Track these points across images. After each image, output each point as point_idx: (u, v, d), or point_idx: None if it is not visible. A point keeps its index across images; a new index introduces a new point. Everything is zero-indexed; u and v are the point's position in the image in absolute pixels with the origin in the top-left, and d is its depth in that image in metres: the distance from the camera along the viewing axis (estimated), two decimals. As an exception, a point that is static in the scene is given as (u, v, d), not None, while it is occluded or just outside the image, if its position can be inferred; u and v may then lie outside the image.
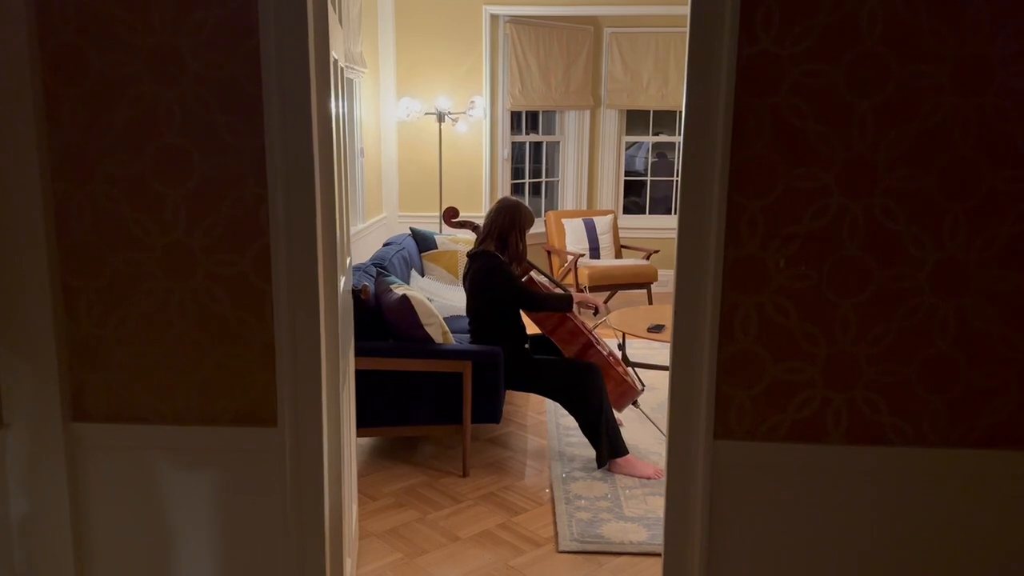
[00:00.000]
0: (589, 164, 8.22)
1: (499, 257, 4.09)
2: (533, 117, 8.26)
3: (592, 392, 3.96)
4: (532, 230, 4.31)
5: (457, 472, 3.99)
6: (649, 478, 3.88)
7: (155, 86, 2.00)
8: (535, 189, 8.39)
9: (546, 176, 8.38)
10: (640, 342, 5.35)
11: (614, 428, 3.97)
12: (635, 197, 8.61)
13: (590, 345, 4.18)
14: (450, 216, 5.24)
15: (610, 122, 8.15)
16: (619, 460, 3.94)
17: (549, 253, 7.52)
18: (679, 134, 2.66)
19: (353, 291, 2.89)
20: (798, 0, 1.92)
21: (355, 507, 3.12)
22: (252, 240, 2.07)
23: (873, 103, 1.96)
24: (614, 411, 4.09)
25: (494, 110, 7.49)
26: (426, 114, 7.19)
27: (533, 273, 4.40)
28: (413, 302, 3.88)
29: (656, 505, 3.58)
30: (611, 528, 3.40)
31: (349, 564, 2.71)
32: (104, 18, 1.98)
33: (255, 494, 2.19)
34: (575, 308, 4.18)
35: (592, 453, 4.03)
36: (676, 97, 7.77)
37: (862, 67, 1.94)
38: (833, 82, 1.95)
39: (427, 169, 7.41)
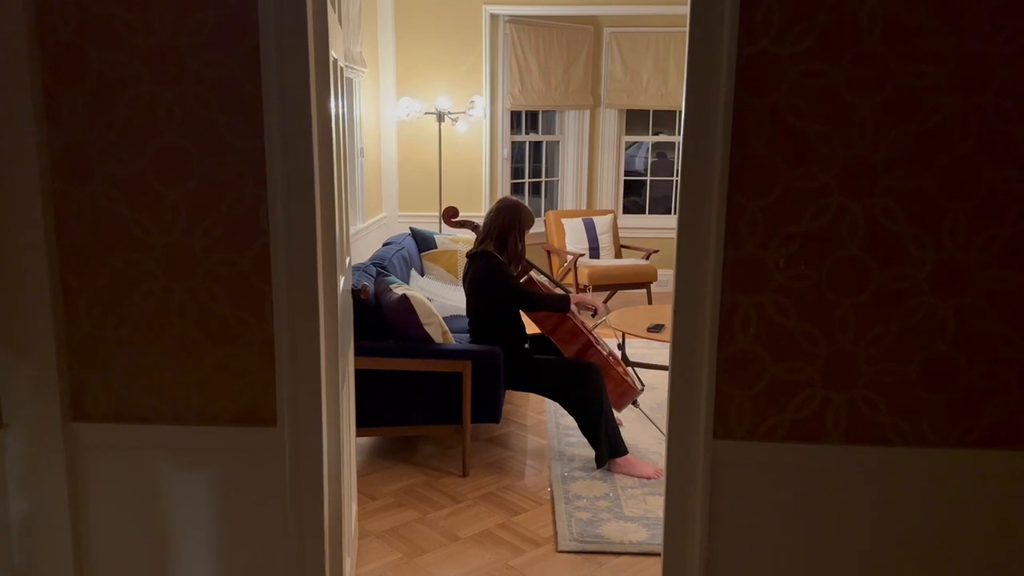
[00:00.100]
0: (589, 164, 8.22)
1: (498, 257, 4.09)
2: (533, 117, 8.26)
3: (592, 392, 3.96)
4: (532, 230, 4.31)
5: (457, 472, 3.99)
6: (649, 478, 3.88)
7: (155, 86, 2.00)
8: (535, 189, 8.39)
9: (546, 176, 8.38)
10: (640, 342, 5.35)
11: (614, 428, 3.97)
12: (635, 197, 8.61)
13: (590, 345, 4.18)
14: (450, 216, 5.24)
15: (610, 122, 8.15)
16: (619, 460, 3.94)
17: (549, 253, 7.52)
18: (679, 134, 2.66)
19: (353, 291, 2.89)
20: (798, 0, 1.92)
21: (355, 507, 3.12)
22: (252, 240, 2.07)
23: (873, 103, 1.96)
24: (614, 411, 4.09)
25: (494, 110, 7.49)
26: (426, 114, 7.19)
27: (533, 273, 4.40)
28: (413, 302, 3.88)
29: (656, 505, 3.58)
30: (611, 528, 3.40)
31: (348, 564, 2.71)
32: (104, 18, 1.98)
33: (255, 494, 2.19)
34: (574, 308, 4.18)
35: (592, 453, 4.03)
36: (676, 97, 7.77)
37: (862, 67, 1.94)
38: (833, 82, 1.95)
39: (427, 169, 7.41)
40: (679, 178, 2.08)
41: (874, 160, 1.98)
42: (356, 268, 4.46)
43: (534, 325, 4.24)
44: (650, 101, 8.07)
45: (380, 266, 4.68)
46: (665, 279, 7.61)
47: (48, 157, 2.04)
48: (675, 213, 2.26)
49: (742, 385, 2.12)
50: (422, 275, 5.78)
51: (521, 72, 7.58)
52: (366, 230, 6.68)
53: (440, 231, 6.50)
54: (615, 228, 7.69)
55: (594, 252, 7.46)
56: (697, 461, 2.15)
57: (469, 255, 4.21)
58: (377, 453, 4.23)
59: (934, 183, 1.98)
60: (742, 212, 2.03)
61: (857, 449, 2.12)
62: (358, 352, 3.42)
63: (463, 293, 4.33)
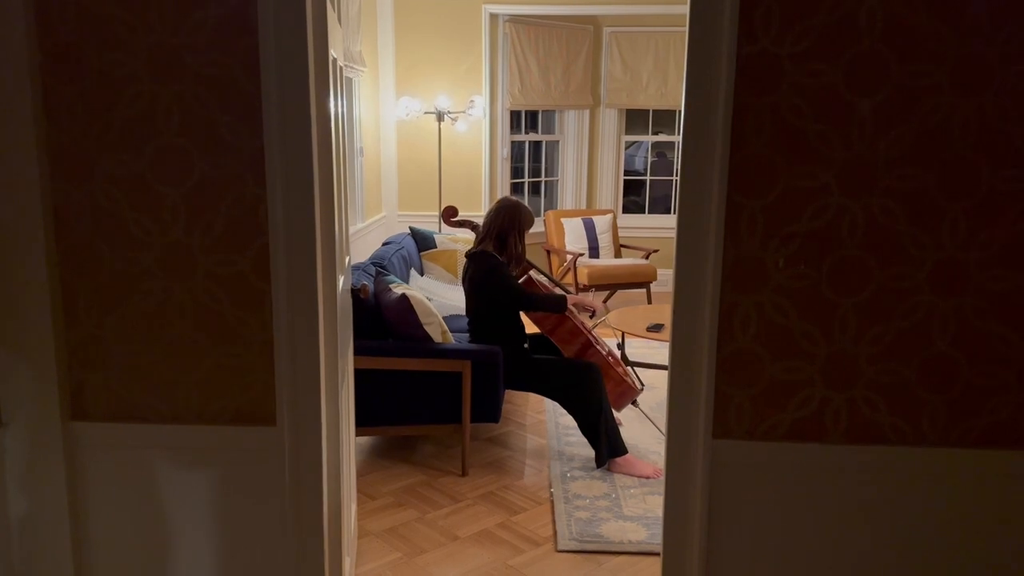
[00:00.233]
0: (588, 163, 8.22)
1: (497, 257, 4.09)
2: (532, 116, 8.26)
3: (591, 392, 3.96)
4: (531, 229, 4.31)
5: (456, 471, 3.99)
6: (648, 477, 3.88)
7: (154, 85, 2.00)
8: (534, 188, 8.39)
9: (545, 175, 8.38)
10: (639, 341, 5.35)
11: (613, 428, 3.97)
12: (634, 196, 8.61)
13: (589, 345, 4.18)
14: (449, 215, 5.24)
15: (609, 121, 8.15)
16: (618, 459, 3.94)
17: (548, 252, 7.52)
18: (678, 133, 2.66)
19: (352, 290, 2.89)
20: (798, 0, 1.92)
21: (354, 506, 3.12)
22: (251, 240, 2.07)
23: (873, 103, 1.96)
24: (613, 410, 4.09)
25: (493, 109, 7.49)
26: (425, 113, 7.18)
27: (532, 273, 4.40)
28: (412, 301, 3.88)
29: (655, 504, 3.59)
30: (610, 527, 3.40)
31: (348, 563, 2.71)
32: (103, 17, 1.98)
33: (254, 493, 2.19)
34: (573, 309, 4.17)
35: (591, 452, 4.03)
36: (676, 96, 7.77)
37: (862, 67, 1.94)
38: (833, 81, 1.95)
39: (426, 168, 7.41)
40: (679, 178, 2.08)
41: (874, 160, 1.98)
42: (356, 268, 4.46)
43: (534, 325, 4.25)
44: (650, 101, 8.06)
45: (380, 265, 4.68)
46: (665, 279, 7.60)
47: (47, 157, 2.04)
48: (675, 213, 2.26)
49: (742, 385, 2.12)
50: (421, 275, 5.78)
51: (521, 72, 7.58)
52: (366, 229, 6.68)
53: (440, 231, 6.50)
54: (615, 228, 7.69)
55: (594, 252, 7.46)
56: (696, 461, 2.15)
57: (468, 255, 4.21)
58: (376, 453, 4.23)
59: (934, 183, 1.98)
60: (742, 212, 2.03)
61: (857, 449, 2.12)
62: (357, 352, 3.42)
63: (463, 293, 4.33)
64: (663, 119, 8.39)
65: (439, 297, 5.21)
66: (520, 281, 4.24)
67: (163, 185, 2.05)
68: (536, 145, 8.31)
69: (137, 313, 2.11)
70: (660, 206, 8.59)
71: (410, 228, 6.27)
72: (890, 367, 2.08)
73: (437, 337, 3.92)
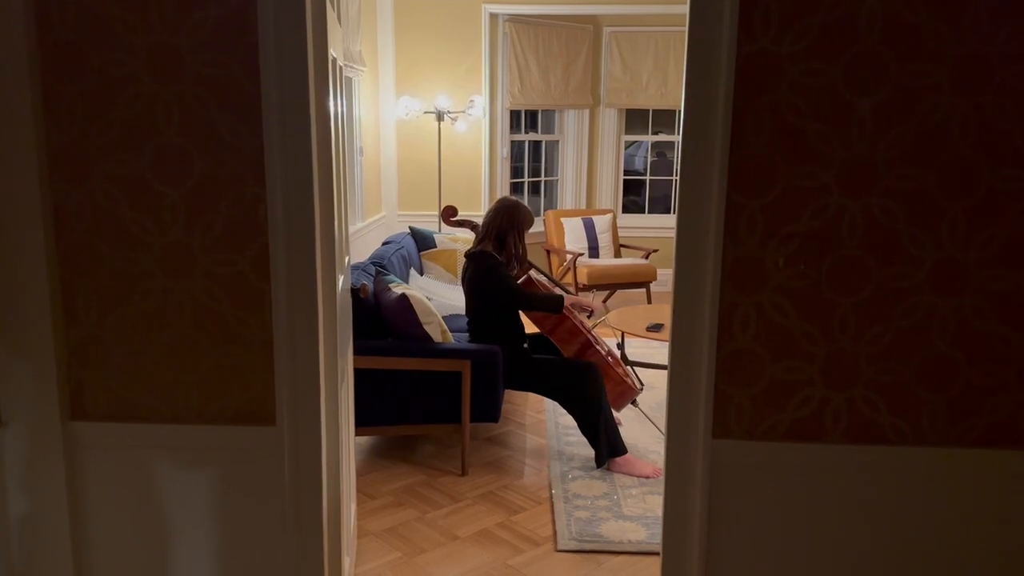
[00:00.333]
0: (588, 163, 8.22)
1: (496, 257, 4.09)
2: (532, 116, 8.26)
3: (591, 391, 3.96)
4: (531, 229, 4.31)
5: (456, 471, 3.99)
6: (648, 477, 3.88)
7: (154, 85, 2.00)
8: (534, 188, 8.39)
9: (545, 175, 8.37)
10: (639, 341, 5.34)
11: (613, 427, 3.97)
12: (634, 196, 8.61)
13: (589, 345, 4.18)
14: (448, 215, 5.24)
15: (609, 121, 8.15)
16: (618, 459, 3.94)
17: (548, 252, 7.52)
18: (678, 133, 2.66)
19: (352, 290, 2.89)
20: (797, -1, 1.93)
21: (354, 506, 3.12)
22: (251, 239, 2.07)
23: (872, 102, 1.96)
24: (613, 410, 4.08)
25: (493, 109, 7.49)
26: (425, 113, 7.18)
27: (532, 272, 4.40)
28: (412, 301, 3.88)
29: (655, 504, 3.58)
30: (610, 527, 3.40)
31: (348, 563, 2.71)
32: (103, 17, 1.98)
33: (254, 493, 2.19)
34: (573, 309, 4.17)
35: (591, 452, 4.03)
36: (675, 96, 7.77)
37: (861, 66, 1.94)
38: (832, 81, 1.95)
39: (426, 168, 7.41)
40: (678, 177, 2.08)
41: (873, 159, 1.98)
42: (355, 267, 4.46)
43: (533, 325, 4.25)
44: (649, 100, 8.06)
45: (379, 265, 4.68)
46: (664, 278, 7.60)
47: (47, 156, 2.04)
48: (674, 212, 2.26)
49: (741, 384, 2.12)
50: (421, 274, 5.78)
51: (520, 71, 7.57)
52: (365, 229, 6.68)
53: (439, 230, 6.49)
54: (614, 227, 7.69)
55: (593, 251, 7.46)
56: (696, 460, 2.15)
57: (467, 255, 4.21)
58: (376, 452, 4.23)
59: (934, 182, 1.98)
60: (741, 211, 2.03)
61: (856, 448, 2.12)
62: (357, 351, 3.42)
63: (462, 292, 4.33)
64: (663, 119, 8.39)
65: (439, 297, 5.21)
66: (520, 281, 4.24)
67: (163, 185, 2.05)
68: (536, 145, 8.31)
69: (137, 313, 2.11)
70: (660, 206, 8.59)
71: (410, 228, 6.26)
72: (890, 367, 2.08)
73: (437, 337, 3.92)
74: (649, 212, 8.53)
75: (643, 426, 4.53)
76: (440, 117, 7.09)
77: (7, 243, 2.05)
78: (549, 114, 8.27)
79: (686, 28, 2.00)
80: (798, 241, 2.03)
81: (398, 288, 4.01)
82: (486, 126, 7.44)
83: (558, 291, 4.43)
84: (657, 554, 2.50)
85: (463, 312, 4.52)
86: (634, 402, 4.50)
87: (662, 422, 2.55)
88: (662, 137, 8.51)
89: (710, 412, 2.12)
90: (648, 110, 8.26)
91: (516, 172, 8.15)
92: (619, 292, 7.42)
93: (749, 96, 1.97)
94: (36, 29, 1.98)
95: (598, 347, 4.22)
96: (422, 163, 7.44)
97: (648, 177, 8.58)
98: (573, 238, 7.44)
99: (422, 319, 3.87)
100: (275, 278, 2.08)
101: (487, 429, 4.49)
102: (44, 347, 2.09)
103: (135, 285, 2.10)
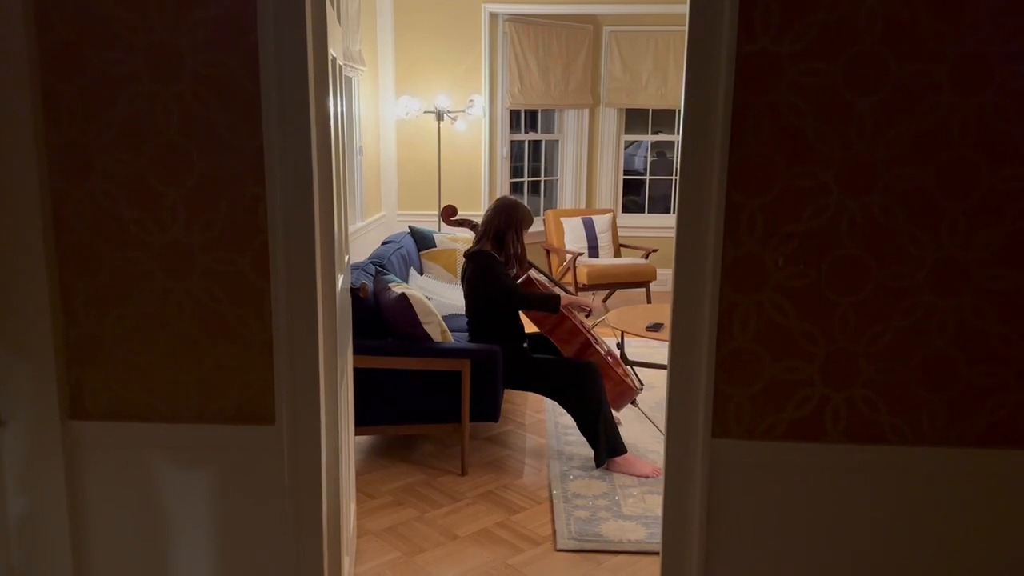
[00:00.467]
0: (588, 163, 8.22)
1: (494, 257, 4.09)
2: (532, 116, 8.25)
3: (590, 391, 3.96)
4: (531, 229, 4.31)
5: (455, 471, 3.99)
6: (647, 477, 3.88)
7: (154, 84, 2.00)
8: (534, 188, 8.39)
9: (545, 175, 8.37)
10: (639, 341, 5.35)
11: (612, 427, 3.97)
12: (634, 196, 8.61)
13: (589, 344, 4.18)
14: (448, 214, 5.24)
15: (609, 121, 8.15)
16: (617, 459, 3.94)
17: (548, 252, 7.52)
18: (678, 133, 2.66)
19: (352, 289, 2.89)
20: (797, -1, 1.93)
21: (353, 505, 3.12)
22: (250, 239, 2.07)
23: (872, 102, 1.96)
24: (612, 410, 4.08)
25: (493, 108, 7.49)
26: (425, 112, 7.18)
27: (532, 272, 4.40)
28: (412, 300, 3.88)
29: (654, 504, 3.59)
30: (609, 527, 3.41)
31: (347, 562, 2.71)
32: (102, 16, 1.98)
33: (253, 492, 2.19)
34: (572, 309, 4.17)
35: (590, 452, 4.03)
36: (675, 96, 7.77)
37: (861, 66, 1.94)
38: (832, 81, 1.95)
39: (426, 167, 7.41)
40: (678, 177, 2.08)
41: (873, 159, 1.98)
42: (355, 267, 4.46)
43: (533, 324, 4.25)
44: (649, 100, 8.06)
45: (379, 265, 4.68)
46: (664, 278, 7.61)
47: (47, 155, 2.03)
48: (674, 212, 2.26)
49: (741, 384, 2.12)
50: (421, 274, 5.78)
51: (520, 71, 7.57)
52: (365, 228, 6.68)
53: (439, 230, 6.50)
54: (614, 227, 7.69)
55: (593, 251, 7.46)
56: (696, 460, 2.15)
57: (466, 255, 4.22)
58: (376, 452, 4.23)
59: (933, 182, 1.98)
60: (741, 211, 2.03)
61: (856, 448, 2.12)
62: (357, 351, 3.42)
63: (462, 292, 4.33)
64: (663, 118, 8.39)
65: (438, 296, 5.21)
66: (520, 281, 4.24)
67: (163, 184, 2.05)
68: (536, 144, 8.31)
69: (136, 312, 2.11)
70: (659, 205, 8.59)
71: (409, 227, 6.26)
72: (889, 366, 2.08)
73: (436, 336, 3.92)
74: (649, 212, 8.53)
75: (643, 426, 4.53)
76: (440, 117, 7.09)
77: (7, 243, 2.04)
78: (549, 114, 8.27)
79: (686, 28, 2.00)
80: (798, 240, 2.03)
81: (398, 288, 4.01)
82: (486, 126, 7.44)
83: (557, 291, 4.43)
84: (657, 554, 2.50)
85: (463, 312, 4.52)
86: (634, 402, 4.51)
87: (662, 422, 2.55)
88: (662, 137, 8.51)
89: (710, 412, 2.12)
90: (648, 110, 8.26)
91: (516, 172, 8.15)
92: (619, 292, 7.42)
93: (749, 96, 1.97)
94: (36, 29, 1.98)
95: (598, 347, 4.22)
96: (422, 163, 7.44)
97: (648, 177, 8.58)
98: (573, 238, 7.44)
99: (422, 319, 3.87)
100: (275, 277, 2.08)
101: (487, 429, 4.49)
102: (44, 346, 2.09)
103: (135, 285, 2.10)
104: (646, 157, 8.65)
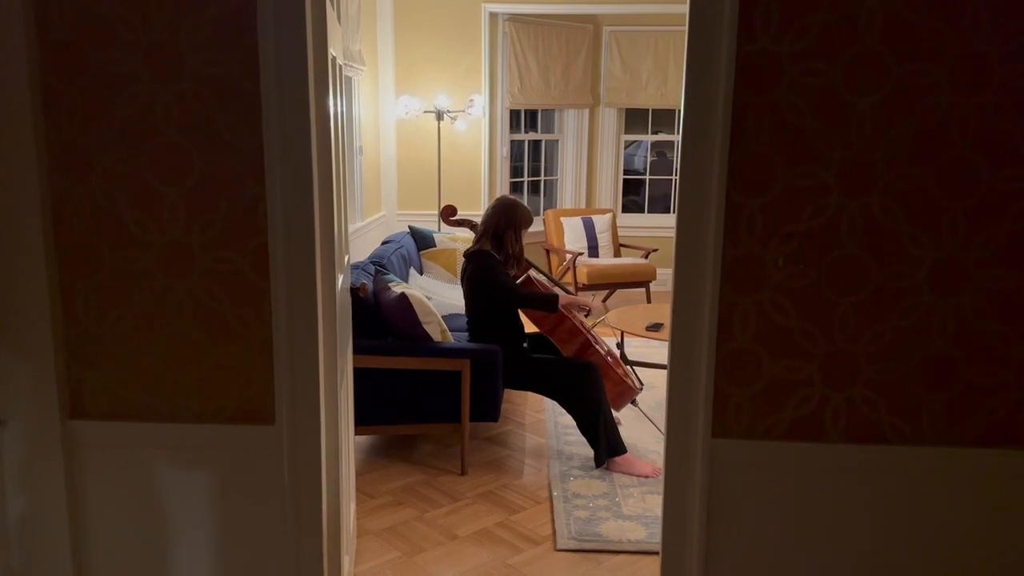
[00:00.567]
0: (588, 163, 8.22)
1: (493, 256, 4.09)
2: (532, 115, 8.25)
3: (590, 391, 3.96)
4: (531, 229, 4.31)
5: (455, 470, 3.99)
6: (647, 477, 3.88)
7: (153, 84, 2.00)
8: (534, 188, 8.39)
9: (545, 175, 8.37)
10: (639, 341, 5.35)
11: (612, 427, 3.97)
12: (634, 196, 8.61)
13: (588, 344, 4.18)
14: (448, 214, 5.24)
15: (609, 121, 8.15)
16: (617, 459, 3.95)
17: (548, 252, 7.52)
18: (678, 133, 2.66)
19: (351, 289, 2.89)
20: (797, -1, 1.93)
21: (353, 505, 3.12)
22: (250, 238, 2.07)
23: (872, 102, 1.96)
24: (612, 410, 4.09)
25: (493, 108, 7.49)
26: (425, 112, 7.18)
27: (532, 272, 4.40)
28: (411, 300, 3.88)
29: (654, 504, 3.59)
30: (609, 526, 3.41)
31: (347, 562, 2.71)
32: (102, 16, 1.97)
33: (253, 492, 2.19)
34: (572, 309, 4.17)
35: (590, 452, 4.03)
36: (675, 96, 7.77)
37: (861, 66, 1.94)
38: (832, 81, 1.95)
39: (426, 167, 7.41)
40: (678, 177, 2.08)
41: (873, 159, 1.98)
42: (355, 266, 4.46)
43: (533, 324, 4.25)
44: (649, 100, 8.06)
45: (379, 264, 4.68)
46: (664, 278, 7.61)
47: (47, 156, 2.03)
48: (674, 212, 2.26)
49: (741, 384, 2.12)
50: (421, 273, 5.78)
51: (520, 71, 7.57)
52: (365, 228, 6.68)
53: (439, 230, 6.50)
54: (614, 227, 7.69)
55: (593, 251, 7.46)
56: (695, 460, 2.15)
57: (466, 254, 4.22)
58: (376, 452, 4.23)
59: (933, 182, 1.98)
60: (741, 211, 2.03)
61: (856, 448, 2.12)
62: (357, 351, 3.42)
63: (462, 292, 4.33)
64: (662, 118, 8.39)
65: (438, 296, 5.21)
66: (519, 280, 4.24)
67: (162, 184, 2.05)
68: (535, 144, 8.31)
69: (136, 312, 2.11)
70: (659, 205, 8.59)
71: (409, 227, 6.26)
72: (889, 366, 2.08)
73: (436, 336, 3.92)
74: (649, 212, 8.53)
75: (642, 426, 4.53)
76: (440, 116, 7.09)
77: (7, 242, 2.04)
78: (549, 113, 8.27)
79: (686, 28, 2.00)
80: (797, 240, 2.03)
81: (397, 287, 4.01)
82: (486, 125, 7.44)
83: (557, 291, 4.43)
84: (656, 553, 2.50)
85: (463, 311, 4.52)
86: (634, 402, 4.51)
87: (661, 422, 2.55)
88: (662, 137, 8.51)
89: (709, 412, 2.12)
90: (648, 109, 8.26)
91: (516, 171, 8.15)
92: (619, 292, 7.42)
93: (749, 96, 1.97)
94: (36, 29, 1.98)
95: (598, 347, 4.22)
96: (422, 162, 7.44)
97: (648, 177, 8.58)
98: (573, 238, 7.44)
99: (421, 318, 3.87)
100: (275, 277, 2.08)
101: (487, 428, 4.49)
102: (43, 346, 2.09)
103: (134, 284, 2.10)
104: (646, 157, 8.65)
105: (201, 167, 2.04)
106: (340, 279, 2.51)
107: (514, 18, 7.44)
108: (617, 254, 7.66)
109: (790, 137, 1.98)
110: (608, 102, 8.06)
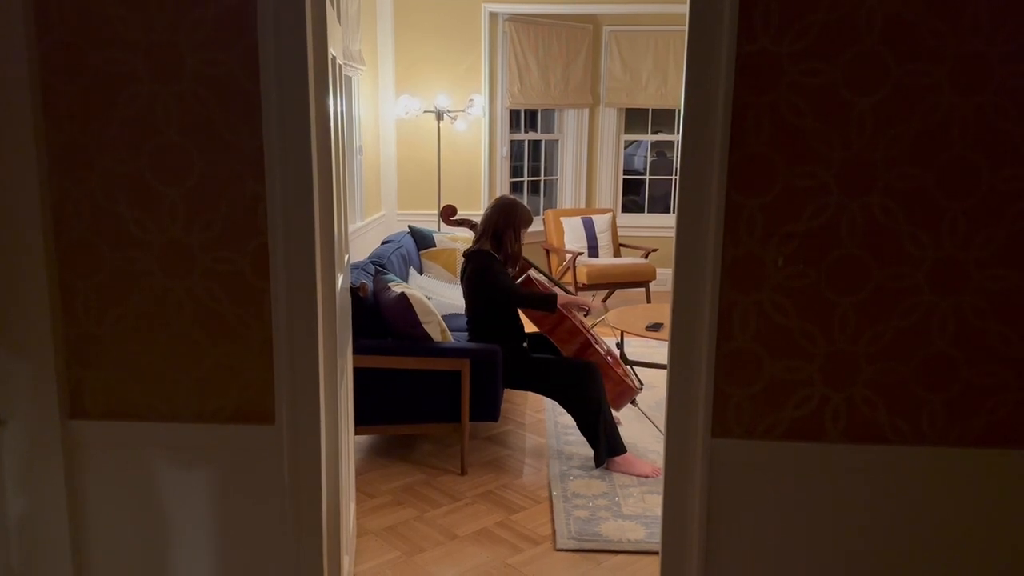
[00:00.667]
0: (588, 163, 8.22)
1: (493, 256, 4.09)
2: (532, 115, 8.26)
3: (590, 391, 3.96)
4: (531, 228, 4.31)
5: (455, 470, 3.99)
6: (647, 476, 3.88)
7: (153, 84, 2.00)
8: (534, 187, 8.39)
9: (545, 174, 8.37)
10: (638, 341, 5.35)
11: (612, 427, 3.97)
12: (634, 196, 8.61)
13: (588, 344, 4.18)
14: (448, 214, 5.24)
15: (609, 120, 8.15)
16: (617, 459, 3.95)
17: (548, 251, 7.52)
18: (678, 133, 2.66)
19: (351, 289, 2.89)
20: (797, -1, 1.93)
21: (353, 505, 3.12)
22: (250, 238, 2.07)
23: (872, 102, 1.96)
24: (612, 410, 4.09)
25: (493, 108, 7.49)
26: (425, 112, 7.18)
27: (532, 272, 4.40)
28: (411, 300, 3.88)
29: (654, 503, 3.59)
30: (609, 526, 3.41)
31: (347, 562, 2.71)
32: (102, 15, 1.97)
33: (253, 492, 2.19)
34: (572, 309, 4.17)
35: (590, 451, 4.03)
36: (675, 96, 7.77)
37: (861, 66, 1.94)
38: (832, 80, 1.95)
39: (426, 167, 7.41)
40: (678, 177, 2.08)
41: (873, 159, 1.98)
42: (355, 266, 4.46)
43: (533, 324, 4.25)
44: (649, 100, 8.06)
45: (379, 264, 4.68)
46: (664, 278, 7.61)
47: (47, 156, 2.03)
48: (674, 212, 2.25)
49: (741, 384, 2.12)
50: (421, 273, 5.78)
51: (520, 71, 7.57)
52: (365, 228, 6.68)
53: (439, 229, 6.50)
54: (614, 227, 7.69)
55: (593, 251, 7.46)
56: (695, 460, 2.15)
57: (466, 254, 4.22)
58: (375, 451, 4.23)
59: (933, 182, 1.98)
60: (741, 211, 2.03)
61: (856, 448, 2.12)
62: (356, 350, 3.42)
63: (461, 292, 4.33)
64: (662, 118, 8.39)
65: (438, 296, 5.21)
66: (519, 280, 4.24)
67: (162, 184, 2.05)
68: (535, 144, 8.31)
69: (136, 311, 2.11)
70: (659, 205, 8.59)
71: (409, 227, 6.26)
72: (889, 366, 2.08)
73: (436, 336, 3.92)
74: (649, 211, 8.54)
75: (642, 425, 4.53)
76: (440, 116, 7.09)
77: (7, 242, 2.04)
78: (549, 113, 8.27)
79: (686, 28, 2.00)
80: (797, 240, 2.03)
81: (397, 287, 4.01)
82: (486, 125, 7.44)
83: (557, 291, 4.43)
84: (656, 553, 2.50)
85: (462, 311, 4.52)
86: (633, 401, 4.51)
87: (661, 421, 2.55)
88: (662, 136, 8.51)
89: (709, 411, 2.12)
90: (648, 109, 8.26)
91: (516, 171, 8.15)
92: (618, 291, 7.43)
93: (749, 96, 1.97)
94: (36, 29, 1.98)
95: (597, 347, 4.22)
96: (421, 162, 7.44)
97: (648, 176, 8.58)
98: (572, 237, 7.44)
99: (421, 318, 3.87)
100: (274, 277, 2.08)
101: (486, 428, 4.49)
102: (43, 346, 2.09)
103: (134, 284, 2.10)
104: (646, 157, 8.65)
105: (201, 167, 2.04)
106: (340, 279, 2.51)
107: (514, 18, 7.44)
108: (617, 254, 7.66)
109: (790, 137, 1.98)
110: (608, 102, 8.06)
